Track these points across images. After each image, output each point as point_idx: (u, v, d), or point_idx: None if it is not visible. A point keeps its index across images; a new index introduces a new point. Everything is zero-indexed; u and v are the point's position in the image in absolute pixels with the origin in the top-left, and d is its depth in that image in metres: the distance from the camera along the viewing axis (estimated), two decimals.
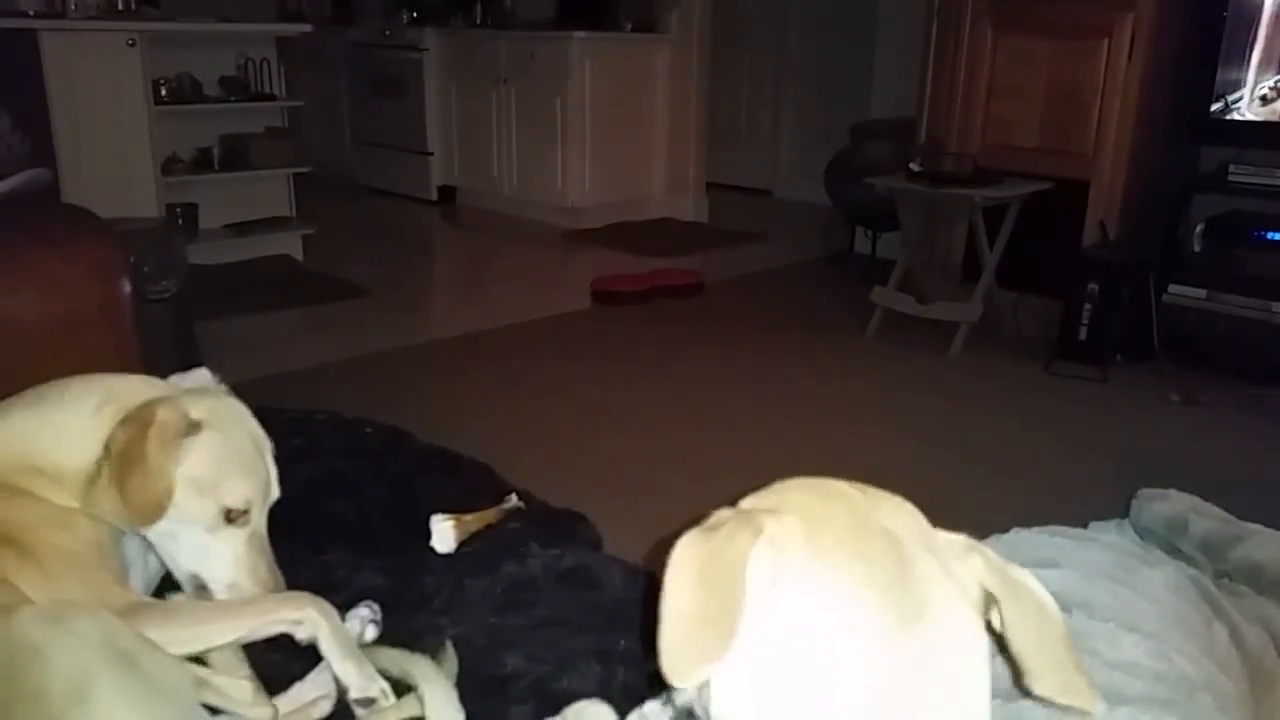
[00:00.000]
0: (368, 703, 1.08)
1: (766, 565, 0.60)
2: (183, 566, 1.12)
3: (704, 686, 0.62)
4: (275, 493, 1.17)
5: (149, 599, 1.13)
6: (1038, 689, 0.67)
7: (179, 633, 1.01)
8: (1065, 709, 0.68)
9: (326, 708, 1.10)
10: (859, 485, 0.70)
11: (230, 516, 1.10)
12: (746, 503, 0.69)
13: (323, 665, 1.10)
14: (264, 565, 1.13)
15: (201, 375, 1.23)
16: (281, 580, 1.14)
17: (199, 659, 1.05)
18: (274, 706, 1.07)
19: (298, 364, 3.27)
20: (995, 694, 0.87)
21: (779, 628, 0.59)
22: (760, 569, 0.60)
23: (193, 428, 1.08)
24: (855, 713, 0.57)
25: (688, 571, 0.60)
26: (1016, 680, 0.68)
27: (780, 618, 0.59)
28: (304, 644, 1.09)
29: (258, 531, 1.14)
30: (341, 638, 1.10)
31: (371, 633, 1.22)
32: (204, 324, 2.65)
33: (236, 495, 1.11)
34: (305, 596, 1.11)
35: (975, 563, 0.67)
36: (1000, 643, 0.68)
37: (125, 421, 1.06)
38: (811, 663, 0.58)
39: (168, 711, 0.91)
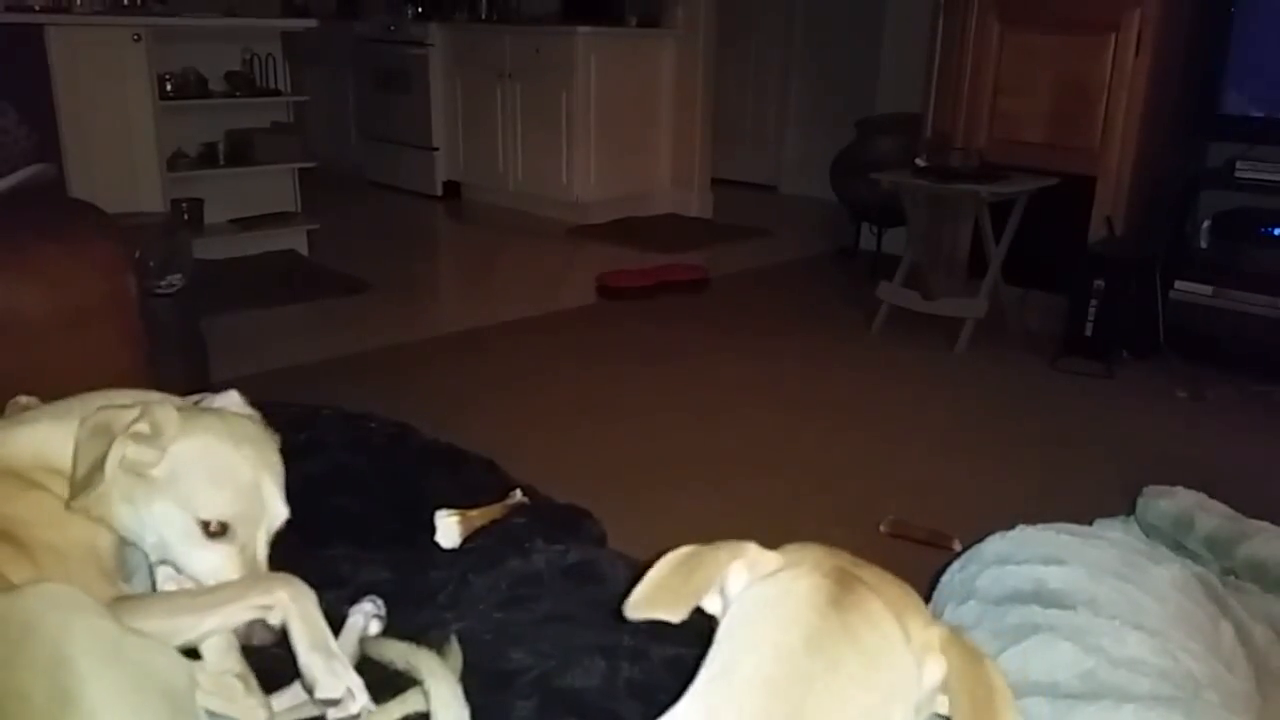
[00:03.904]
0: (333, 703, 1.01)
1: (744, 577, 0.78)
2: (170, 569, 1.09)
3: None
4: (279, 516, 1.11)
5: (128, 594, 1.09)
6: None
7: (154, 625, 0.99)
8: None
9: None
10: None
11: (209, 530, 1.05)
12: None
13: None
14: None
15: (230, 397, 1.20)
16: None
17: (190, 655, 1.02)
18: (268, 707, 1.04)
19: (302, 359, 3.28)
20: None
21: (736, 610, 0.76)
22: (738, 578, 0.78)
23: (154, 432, 1.04)
24: (782, 658, 0.70)
25: (673, 558, 0.81)
26: None
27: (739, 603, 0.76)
28: (278, 630, 1.03)
29: (249, 553, 1.08)
30: (312, 626, 1.04)
31: (375, 627, 1.21)
32: (209, 319, 2.65)
33: (210, 508, 1.06)
34: (278, 578, 1.06)
35: (937, 627, 0.74)
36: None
37: (92, 420, 1.05)
38: (758, 615, 0.74)
39: (158, 697, 0.91)
